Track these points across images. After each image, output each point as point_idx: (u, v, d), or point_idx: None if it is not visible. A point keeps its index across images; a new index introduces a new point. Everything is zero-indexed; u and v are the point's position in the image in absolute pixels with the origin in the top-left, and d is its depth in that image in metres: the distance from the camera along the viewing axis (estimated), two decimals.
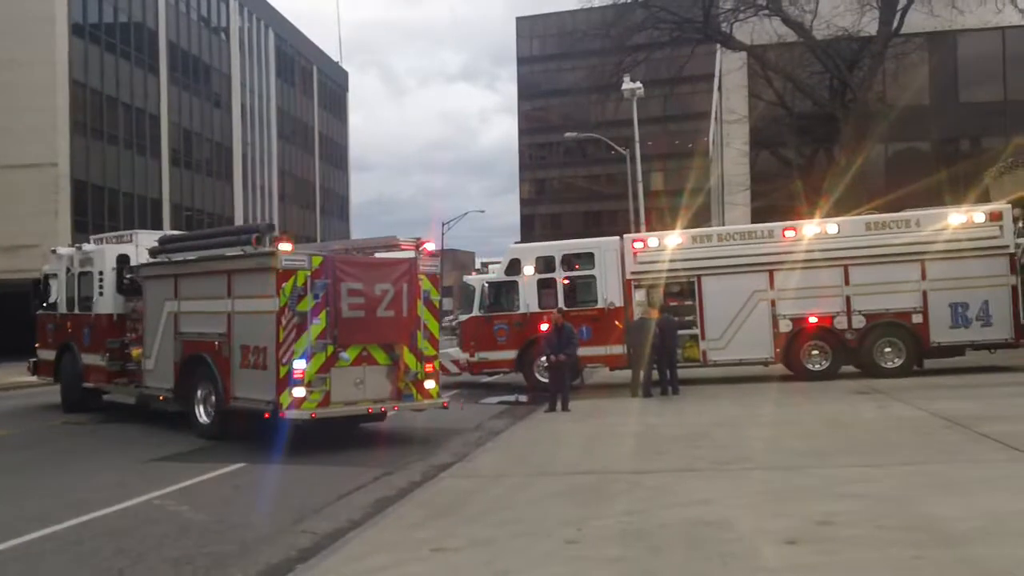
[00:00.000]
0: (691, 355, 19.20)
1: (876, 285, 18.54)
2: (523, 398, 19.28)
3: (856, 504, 7.52)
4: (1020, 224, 19.05)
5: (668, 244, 19.75)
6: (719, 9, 30.04)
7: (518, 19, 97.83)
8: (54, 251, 19.28)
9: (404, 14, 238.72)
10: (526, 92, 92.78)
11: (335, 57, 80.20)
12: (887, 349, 18.64)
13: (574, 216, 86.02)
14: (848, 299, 18.71)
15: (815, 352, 18.93)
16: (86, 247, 18.06)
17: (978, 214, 18.83)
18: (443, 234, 64.63)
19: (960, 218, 18.77)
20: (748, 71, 33.20)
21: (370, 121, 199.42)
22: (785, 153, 34.55)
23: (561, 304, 18.86)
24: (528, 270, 20.17)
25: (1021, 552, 6.11)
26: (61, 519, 8.61)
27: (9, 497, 10.05)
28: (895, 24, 27.98)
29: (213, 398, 13.48)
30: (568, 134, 53.52)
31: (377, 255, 14.07)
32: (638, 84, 33.46)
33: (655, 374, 17.30)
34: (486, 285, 20.58)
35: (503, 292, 20.39)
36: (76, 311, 17.75)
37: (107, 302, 16.88)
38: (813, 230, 19.21)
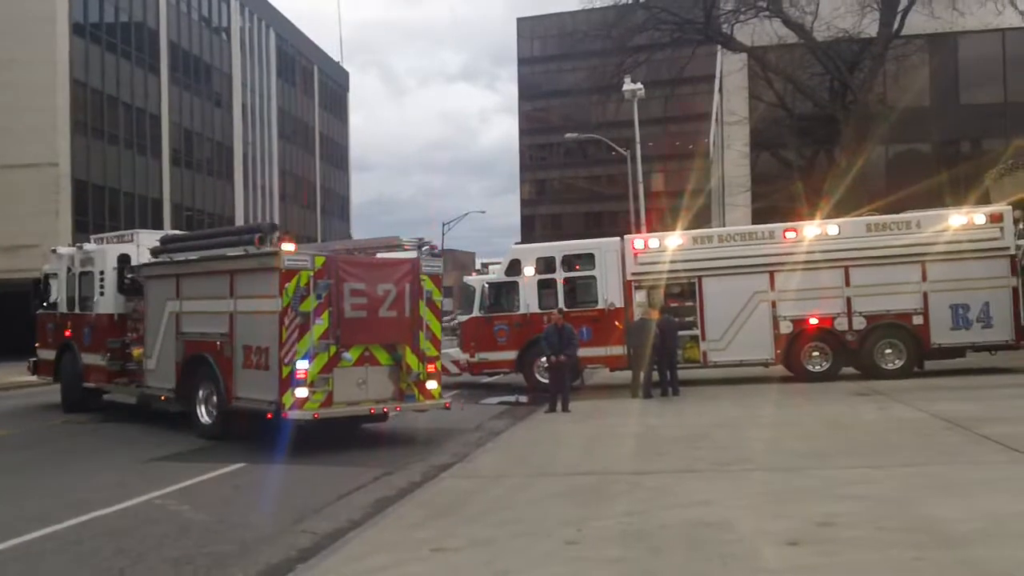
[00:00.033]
0: (691, 356, 19.19)
1: (877, 286, 18.55)
2: (523, 399, 19.28)
3: (857, 505, 7.52)
4: (1021, 226, 19.08)
5: (669, 245, 19.75)
6: (720, 10, 30.04)
7: (519, 19, 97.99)
8: (54, 251, 19.28)
9: (404, 14, 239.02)
10: (527, 93, 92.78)
11: (336, 57, 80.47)
12: (888, 350, 18.64)
13: (575, 217, 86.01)
14: (849, 300, 18.71)
15: (815, 353, 18.93)
16: (87, 246, 18.06)
17: (979, 216, 18.85)
18: (443, 234, 64.72)
19: (961, 220, 18.77)
20: (749, 72, 33.17)
21: (370, 121, 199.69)
22: (786, 154, 34.55)
23: (561, 305, 18.87)
24: (528, 271, 20.17)
25: (1022, 554, 6.10)
26: (61, 519, 8.61)
27: (9, 497, 10.06)
28: (896, 26, 27.98)
29: (215, 398, 13.48)
30: (569, 135, 53.52)
31: (379, 255, 14.08)
32: (639, 85, 33.46)
33: (655, 375, 17.30)
34: (486, 286, 20.59)
35: (503, 293, 20.40)
36: (77, 311, 17.73)
37: (108, 302, 16.86)
38: (814, 231, 19.21)
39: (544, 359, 17.06)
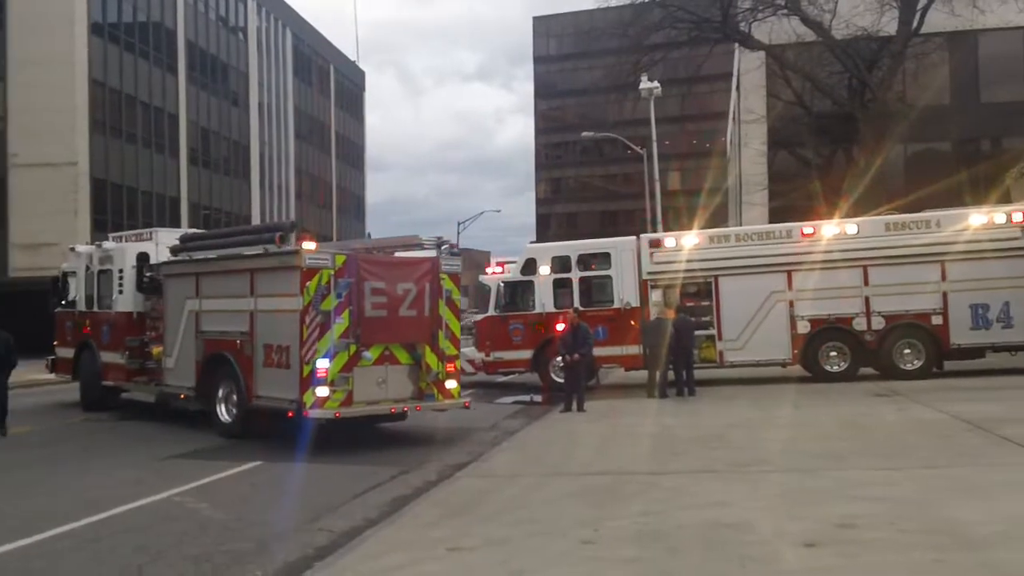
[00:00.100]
0: (708, 356, 19.11)
1: (896, 286, 18.41)
2: (538, 398, 19.25)
3: (876, 507, 7.46)
4: None
5: (685, 244, 19.68)
6: (737, 8, 29.83)
7: (535, 18, 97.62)
8: (73, 249, 19.41)
9: (421, 14, 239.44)
10: (543, 91, 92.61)
11: (352, 57, 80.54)
12: (906, 351, 18.49)
13: (590, 216, 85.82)
14: (867, 300, 18.58)
15: (833, 353, 18.81)
16: (106, 245, 18.15)
17: (999, 215, 18.68)
18: (458, 234, 64.74)
19: (981, 219, 18.61)
20: (766, 71, 32.96)
21: (386, 121, 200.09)
22: (803, 153, 34.31)
23: (577, 304, 18.84)
24: (544, 270, 20.15)
25: None
26: (80, 516, 8.67)
27: (29, 493, 10.15)
28: (915, 23, 27.72)
29: (235, 397, 13.54)
30: (585, 133, 53.45)
31: (398, 254, 14.10)
32: (655, 83, 33.36)
33: (671, 375, 17.24)
34: (502, 285, 20.58)
35: (519, 292, 20.39)
36: (95, 309, 17.82)
37: (127, 300, 16.95)
38: (832, 230, 19.08)
39: (559, 358, 17.04)
